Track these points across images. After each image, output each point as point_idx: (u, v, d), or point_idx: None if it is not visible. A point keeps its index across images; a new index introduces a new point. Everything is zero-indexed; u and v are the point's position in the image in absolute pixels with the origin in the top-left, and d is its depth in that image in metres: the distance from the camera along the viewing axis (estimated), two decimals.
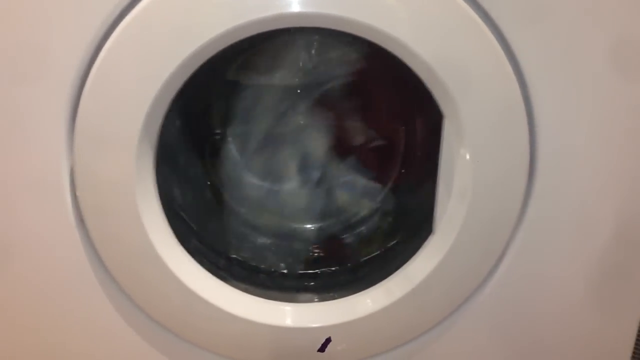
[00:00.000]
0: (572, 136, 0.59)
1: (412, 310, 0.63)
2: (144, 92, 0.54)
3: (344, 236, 0.77)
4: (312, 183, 0.77)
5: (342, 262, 0.75)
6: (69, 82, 0.55)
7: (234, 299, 0.64)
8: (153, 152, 0.58)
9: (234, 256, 0.73)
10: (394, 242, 0.72)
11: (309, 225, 0.78)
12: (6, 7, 0.54)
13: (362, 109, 0.75)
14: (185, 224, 0.70)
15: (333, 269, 0.74)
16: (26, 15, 0.54)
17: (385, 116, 0.76)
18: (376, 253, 0.73)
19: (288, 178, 0.78)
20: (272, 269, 0.73)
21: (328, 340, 0.63)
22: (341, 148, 0.75)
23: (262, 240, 0.76)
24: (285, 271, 0.74)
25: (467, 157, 0.57)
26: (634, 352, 0.68)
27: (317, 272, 0.74)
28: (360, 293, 0.65)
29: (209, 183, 0.76)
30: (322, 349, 0.64)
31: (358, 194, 0.77)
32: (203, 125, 0.75)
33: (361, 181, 0.77)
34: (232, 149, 0.76)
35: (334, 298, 0.66)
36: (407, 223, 0.73)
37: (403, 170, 0.77)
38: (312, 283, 0.73)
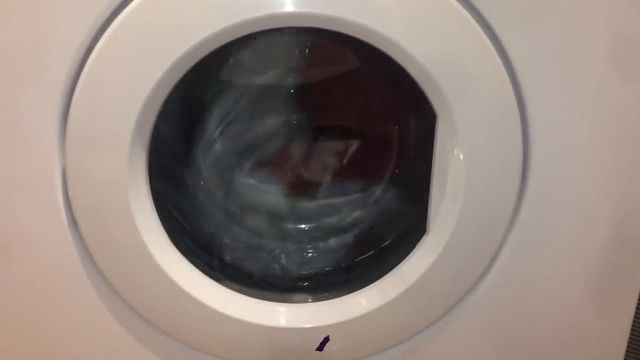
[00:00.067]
0: (565, 137, 0.59)
1: (406, 310, 0.63)
2: (136, 92, 0.54)
3: (338, 236, 0.77)
4: (305, 183, 0.77)
5: (336, 262, 0.75)
6: (61, 82, 0.55)
7: (227, 300, 0.64)
8: (145, 152, 0.58)
9: (228, 257, 0.72)
10: (388, 242, 0.72)
11: (302, 226, 0.78)
12: None
13: (355, 109, 0.75)
14: (179, 224, 0.69)
15: (327, 269, 0.74)
16: (17, 15, 0.54)
17: (379, 116, 0.76)
18: (370, 253, 0.73)
19: (281, 178, 0.77)
20: (266, 270, 0.73)
21: (326, 340, 0.63)
22: (334, 148, 0.75)
23: (256, 240, 0.76)
24: (279, 272, 0.73)
25: (461, 157, 0.57)
26: (627, 352, 0.69)
27: (311, 273, 0.74)
28: (354, 293, 0.65)
29: (202, 183, 0.76)
30: (320, 348, 0.63)
31: (351, 194, 0.77)
32: (196, 124, 0.75)
33: (355, 181, 0.77)
34: (225, 149, 0.76)
35: (328, 298, 0.66)
36: (400, 223, 0.73)
37: (397, 170, 0.77)
38: (306, 283, 0.73)
